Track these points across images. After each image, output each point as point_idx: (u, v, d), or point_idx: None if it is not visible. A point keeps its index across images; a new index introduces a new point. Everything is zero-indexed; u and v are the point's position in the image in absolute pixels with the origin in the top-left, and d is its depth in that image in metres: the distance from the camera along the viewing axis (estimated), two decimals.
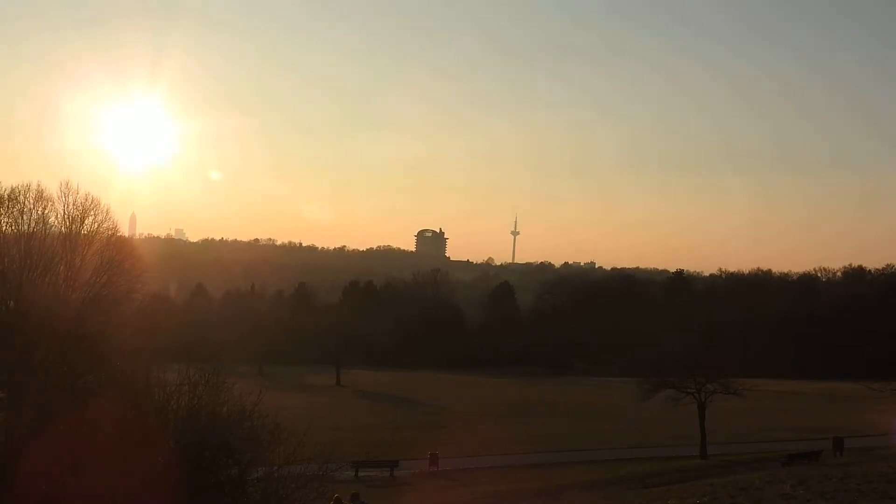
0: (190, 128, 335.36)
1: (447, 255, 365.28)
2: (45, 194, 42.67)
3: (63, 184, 43.31)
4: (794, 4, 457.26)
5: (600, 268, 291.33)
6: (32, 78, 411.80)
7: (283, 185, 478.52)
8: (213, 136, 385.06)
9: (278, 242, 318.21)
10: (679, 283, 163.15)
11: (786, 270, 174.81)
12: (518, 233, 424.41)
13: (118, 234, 49.07)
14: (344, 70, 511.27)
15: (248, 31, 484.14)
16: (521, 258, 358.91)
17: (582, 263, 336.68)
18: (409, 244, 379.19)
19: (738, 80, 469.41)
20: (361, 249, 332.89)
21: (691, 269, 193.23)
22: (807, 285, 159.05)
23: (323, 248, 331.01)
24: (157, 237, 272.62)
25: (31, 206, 42.25)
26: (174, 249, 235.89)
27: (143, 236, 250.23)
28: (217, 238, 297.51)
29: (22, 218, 41.95)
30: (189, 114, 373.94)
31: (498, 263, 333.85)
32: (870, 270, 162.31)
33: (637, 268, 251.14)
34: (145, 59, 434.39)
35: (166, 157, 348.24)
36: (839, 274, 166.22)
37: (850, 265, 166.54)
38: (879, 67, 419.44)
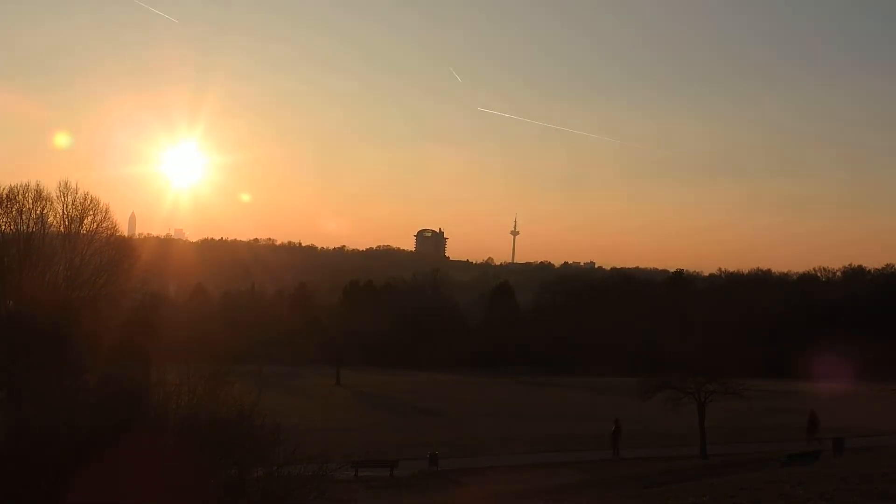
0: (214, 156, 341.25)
1: (447, 255, 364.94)
2: (43, 194, 42.74)
3: (62, 184, 43.37)
4: (794, 5, 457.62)
5: (600, 268, 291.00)
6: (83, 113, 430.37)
7: (285, 186, 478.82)
8: (234, 158, 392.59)
9: (278, 242, 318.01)
10: (679, 283, 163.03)
11: (786, 270, 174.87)
12: (518, 233, 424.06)
13: (118, 234, 49.12)
14: (345, 78, 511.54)
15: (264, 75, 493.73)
16: (520, 258, 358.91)
17: (582, 263, 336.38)
18: (409, 244, 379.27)
19: (738, 81, 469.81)
20: (361, 249, 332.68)
21: (691, 269, 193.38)
22: (807, 285, 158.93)
23: (323, 248, 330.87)
24: (157, 237, 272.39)
25: (30, 206, 42.32)
26: (174, 249, 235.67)
27: (142, 236, 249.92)
28: (217, 238, 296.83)
29: (21, 217, 42.01)
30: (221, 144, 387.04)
31: (498, 263, 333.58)
32: (870, 270, 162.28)
33: (637, 268, 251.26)
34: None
35: (196, 179, 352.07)
36: (839, 274, 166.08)
37: (850, 265, 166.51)
38: (879, 67, 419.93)
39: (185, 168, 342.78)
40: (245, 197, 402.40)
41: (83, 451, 20.79)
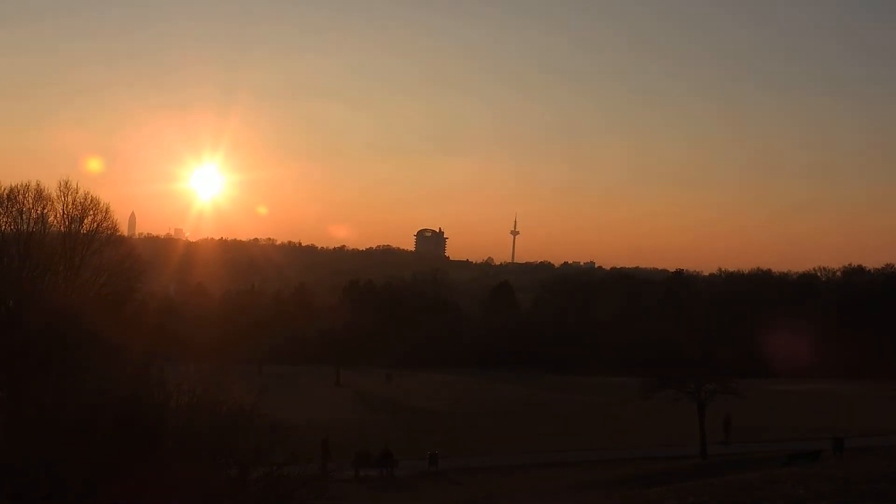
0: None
1: (447, 254, 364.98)
2: (43, 194, 42.69)
3: (62, 183, 43.31)
4: (794, 7, 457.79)
5: (600, 268, 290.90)
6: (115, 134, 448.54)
7: (288, 189, 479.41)
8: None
9: (278, 242, 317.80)
10: (679, 283, 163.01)
11: (786, 270, 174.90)
12: (518, 233, 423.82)
13: (118, 234, 49.09)
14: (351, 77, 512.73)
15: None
16: (520, 258, 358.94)
17: (582, 263, 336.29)
18: (409, 244, 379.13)
19: (738, 81, 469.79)
20: (361, 249, 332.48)
21: (691, 269, 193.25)
22: (807, 285, 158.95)
23: (323, 248, 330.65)
24: (157, 237, 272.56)
25: (30, 206, 42.28)
26: (174, 249, 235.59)
27: (142, 236, 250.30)
28: (217, 238, 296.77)
29: (21, 217, 41.96)
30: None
31: (498, 263, 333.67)
32: (870, 270, 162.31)
33: (637, 268, 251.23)
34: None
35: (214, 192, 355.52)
36: (839, 274, 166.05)
37: (850, 265, 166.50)
38: (880, 66, 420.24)
39: (195, 171, 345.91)
40: (262, 210, 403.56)
41: (85, 452, 20.79)
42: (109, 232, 45.09)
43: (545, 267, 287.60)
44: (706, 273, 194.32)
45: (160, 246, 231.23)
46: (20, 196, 42.11)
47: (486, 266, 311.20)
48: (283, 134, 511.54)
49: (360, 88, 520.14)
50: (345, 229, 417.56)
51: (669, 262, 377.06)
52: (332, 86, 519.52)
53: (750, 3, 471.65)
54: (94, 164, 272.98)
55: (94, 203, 43.62)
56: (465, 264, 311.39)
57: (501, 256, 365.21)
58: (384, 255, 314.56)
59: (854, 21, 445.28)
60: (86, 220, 43.31)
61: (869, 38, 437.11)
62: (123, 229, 74.01)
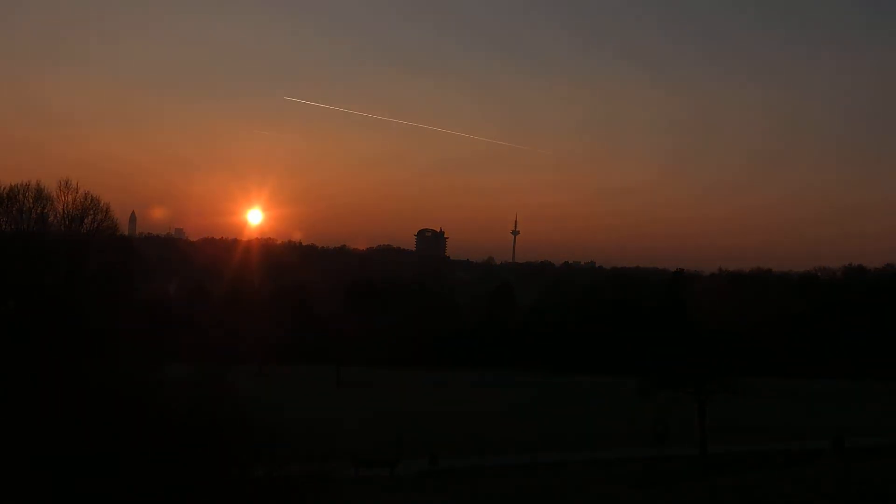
0: None
1: (447, 254, 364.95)
2: (44, 193, 42.70)
3: (62, 183, 43.31)
4: (794, 5, 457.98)
5: (600, 267, 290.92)
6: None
7: (287, 188, 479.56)
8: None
9: (278, 242, 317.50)
10: (679, 283, 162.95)
11: (786, 270, 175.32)
12: (518, 232, 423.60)
13: (118, 234, 49.11)
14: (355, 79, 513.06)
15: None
16: (521, 258, 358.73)
17: (582, 263, 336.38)
18: (409, 244, 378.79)
19: (739, 77, 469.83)
20: (361, 249, 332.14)
21: (691, 269, 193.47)
22: (807, 285, 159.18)
23: (323, 247, 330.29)
24: (157, 237, 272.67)
25: (31, 206, 42.29)
26: (174, 249, 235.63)
27: (143, 236, 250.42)
28: (217, 237, 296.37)
29: (21, 217, 41.98)
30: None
31: (498, 263, 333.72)
32: (870, 270, 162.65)
33: (637, 267, 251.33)
34: None
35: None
36: (839, 274, 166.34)
37: (850, 265, 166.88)
38: (881, 63, 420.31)
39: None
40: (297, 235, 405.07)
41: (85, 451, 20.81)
42: (110, 232, 45.13)
43: (545, 267, 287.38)
44: (706, 273, 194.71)
45: (161, 246, 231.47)
46: (20, 195, 42.14)
47: (486, 266, 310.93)
48: (287, 141, 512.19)
49: (361, 91, 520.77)
50: (352, 234, 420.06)
51: (669, 262, 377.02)
52: (334, 91, 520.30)
53: (747, 2, 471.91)
54: (159, 212, 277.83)
55: (94, 203, 43.67)
56: (465, 264, 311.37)
57: (501, 256, 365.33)
58: (385, 255, 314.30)
59: (856, 23, 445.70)
60: (86, 220, 43.33)
61: (869, 38, 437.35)
62: (124, 229, 74.04)
